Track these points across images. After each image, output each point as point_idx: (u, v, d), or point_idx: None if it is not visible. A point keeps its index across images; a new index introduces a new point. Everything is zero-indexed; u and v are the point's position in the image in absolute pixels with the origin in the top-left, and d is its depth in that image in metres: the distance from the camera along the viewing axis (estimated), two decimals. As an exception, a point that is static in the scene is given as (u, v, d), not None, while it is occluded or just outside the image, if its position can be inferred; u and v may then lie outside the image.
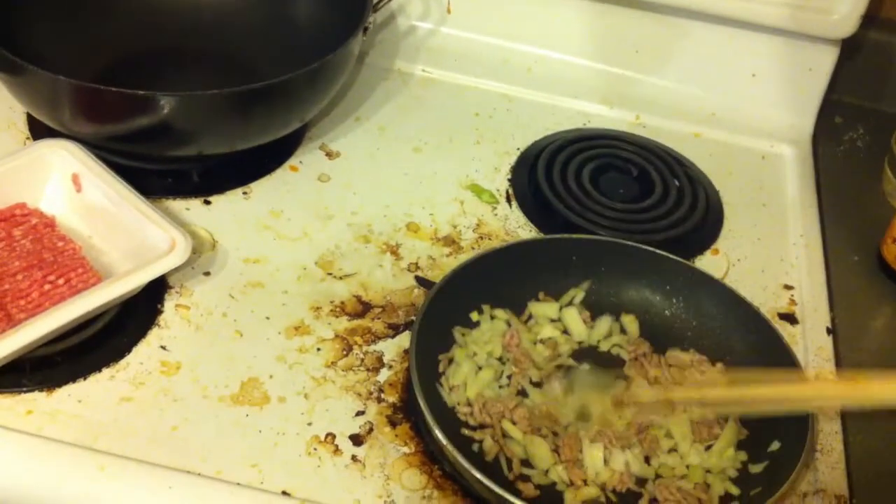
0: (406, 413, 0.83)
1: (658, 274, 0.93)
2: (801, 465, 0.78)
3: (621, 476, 0.79)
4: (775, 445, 0.82)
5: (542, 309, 0.92)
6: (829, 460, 0.84)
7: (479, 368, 0.86)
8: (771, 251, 1.05)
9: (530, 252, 0.93)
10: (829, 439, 0.86)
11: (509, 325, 0.90)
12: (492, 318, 0.90)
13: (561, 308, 0.92)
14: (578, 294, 0.93)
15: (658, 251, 0.94)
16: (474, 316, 0.90)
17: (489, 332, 0.89)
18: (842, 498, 0.82)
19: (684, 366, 0.89)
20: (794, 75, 1.19)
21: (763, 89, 1.20)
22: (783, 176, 1.16)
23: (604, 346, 0.91)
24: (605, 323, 0.92)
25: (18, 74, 0.92)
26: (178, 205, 0.98)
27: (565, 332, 0.91)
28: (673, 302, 0.93)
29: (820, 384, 0.89)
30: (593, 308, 0.93)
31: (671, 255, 0.94)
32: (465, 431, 0.82)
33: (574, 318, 0.91)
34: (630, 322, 0.92)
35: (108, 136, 0.95)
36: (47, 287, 0.84)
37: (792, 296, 1.00)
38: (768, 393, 0.80)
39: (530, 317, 0.92)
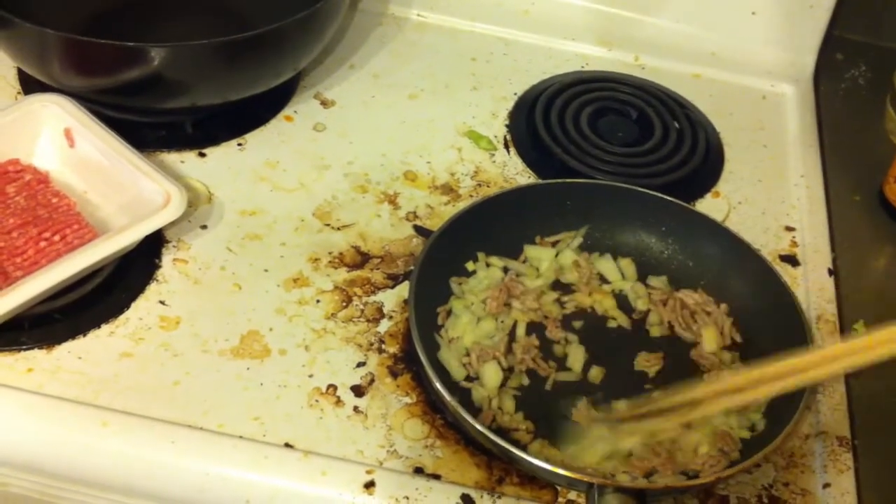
0: (407, 363, 0.83)
1: (653, 216, 0.93)
2: (803, 407, 0.78)
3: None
4: (777, 387, 0.82)
5: (539, 253, 0.91)
6: (830, 402, 0.85)
7: (479, 319, 0.86)
8: (772, 192, 1.04)
9: (526, 198, 0.93)
10: (831, 381, 0.86)
11: (506, 271, 0.89)
12: (487, 265, 0.90)
13: (558, 253, 0.92)
14: (576, 239, 0.93)
15: (652, 192, 0.93)
16: (470, 265, 0.89)
17: (486, 279, 0.88)
18: (844, 439, 0.82)
19: (692, 307, 0.88)
20: (795, 12, 1.17)
21: (763, 27, 1.18)
22: (784, 115, 1.14)
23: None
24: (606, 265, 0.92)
25: (5, 28, 0.90)
26: (172, 157, 0.97)
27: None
28: (669, 243, 0.93)
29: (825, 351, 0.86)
30: (590, 252, 0.92)
31: (665, 196, 0.93)
32: (464, 383, 0.82)
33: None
34: (627, 265, 0.92)
35: (99, 88, 0.94)
36: (43, 244, 0.83)
37: (793, 237, 0.99)
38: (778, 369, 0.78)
39: (526, 260, 0.91)
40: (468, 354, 0.83)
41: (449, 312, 0.86)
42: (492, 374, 0.81)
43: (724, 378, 0.82)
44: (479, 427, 0.74)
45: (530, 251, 0.92)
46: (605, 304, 0.89)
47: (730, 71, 1.18)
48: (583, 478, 0.73)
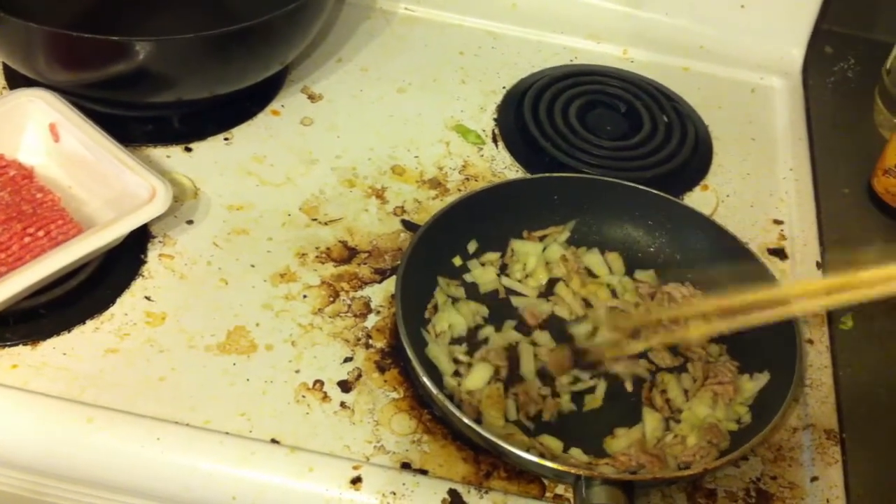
0: (394, 358, 0.83)
1: (640, 210, 0.93)
2: (790, 398, 0.78)
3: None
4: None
5: (526, 247, 0.91)
6: (818, 395, 0.85)
7: (455, 301, 0.86)
8: (760, 186, 1.04)
9: (513, 192, 0.92)
10: (819, 374, 0.86)
11: (501, 270, 0.90)
12: (482, 264, 0.90)
13: (545, 248, 0.91)
14: (563, 233, 0.92)
15: (639, 186, 0.93)
16: (457, 261, 0.89)
17: (480, 276, 0.89)
18: (832, 432, 0.82)
19: (680, 300, 0.88)
20: (784, 5, 1.17)
21: (752, 20, 1.18)
22: (773, 108, 1.14)
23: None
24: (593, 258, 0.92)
25: (-10, 23, 0.89)
26: (158, 152, 0.97)
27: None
28: (656, 237, 0.93)
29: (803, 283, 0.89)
30: (577, 246, 0.92)
31: (651, 190, 0.93)
32: (452, 378, 0.81)
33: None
34: (614, 259, 0.92)
35: (85, 83, 0.93)
36: (27, 239, 0.83)
37: (782, 230, 0.99)
38: (752, 299, 0.80)
39: (512, 253, 0.91)
40: (460, 342, 0.83)
41: (436, 307, 0.86)
42: (480, 375, 0.81)
43: (708, 301, 0.85)
44: (466, 421, 0.74)
45: (517, 245, 0.91)
46: (599, 296, 0.89)
47: (719, 64, 1.18)
48: (570, 470, 0.73)
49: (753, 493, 0.78)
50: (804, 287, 0.86)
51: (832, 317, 0.91)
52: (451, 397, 0.78)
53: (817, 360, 0.87)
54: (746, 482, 0.78)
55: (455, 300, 0.87)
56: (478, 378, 0.81)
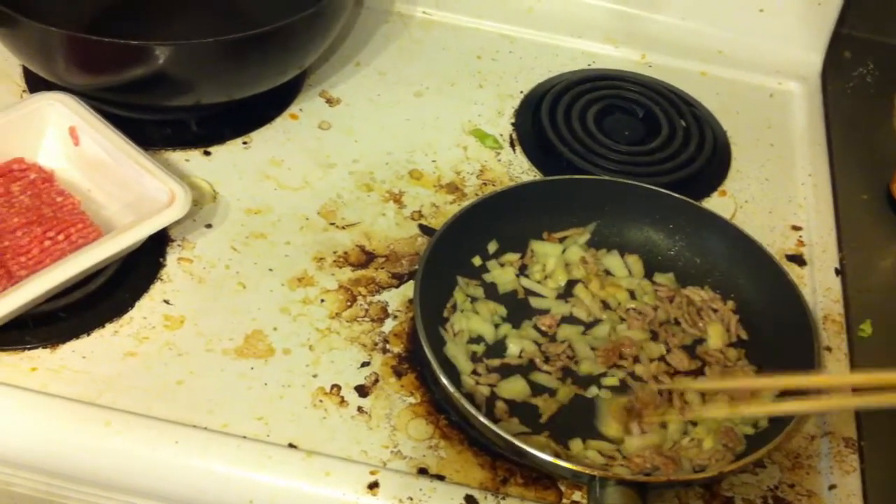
0: (412, 363, 0.83)
1: (660, 212, 0.93)
2: (809, 404, 0.78)
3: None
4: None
5: (545, 248, 0.91)
6: (837, 402, 0.84)
7: (475, 300, 0.87)
8: (779, 191, 1.03)
9: (533, 194, 0.93)
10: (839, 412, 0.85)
11: (518, 275, 0.90)
12: (501, 265, 0.90)
13: (565, 249, 0.91)
14: (583, 235, 0.92)
15: (660, 189, 0.93)
16: (476, 261, 0.89)
17: (500, 277, 0.89)
18: (850, 440, 0.81)
19: (699, 304, 0.88)
20: (803, 10, 1.17)
21: (771, 25, 1.18)
22: (791, 114, 1.14)
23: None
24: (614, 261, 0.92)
25: (10, 27, 0.90)
26: (177, 156, 0.97)
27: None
28: (676, 240, 0.93)
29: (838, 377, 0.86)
30: (597, 248, 0.92)
31: (673, 193, 0.93)
32: (470, 378, 0.82)
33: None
34: (634, 262, 0.92)
35: (104, 87, 0.94)
36: (47, 243, 0.83)
37: (800, 237, 0.99)
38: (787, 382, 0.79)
39: (532, 254, 0.91)
40: (478, 341, 0.83)
41: (454, 307, 0.86)
42: (516, 386, 0.82)
43: (732, 378, 0.84)
44: (483, 420, 0.74)
45: (537, 246, 0.92)
46: (618, 298, 0.89)
47: (737, 69, 1.18)
48: (584, 470, 0.73)
49: (771, 500, 0.77)
50: (833, 380, 0.84)
51: (851, 324, 0.90)
52: (468, 397, 0.78)
53: (836, 367, 0.87)
54: (764, 490, 0.78)
55: (474, 300, 0.87)
56: (514, 387, 0.82)
